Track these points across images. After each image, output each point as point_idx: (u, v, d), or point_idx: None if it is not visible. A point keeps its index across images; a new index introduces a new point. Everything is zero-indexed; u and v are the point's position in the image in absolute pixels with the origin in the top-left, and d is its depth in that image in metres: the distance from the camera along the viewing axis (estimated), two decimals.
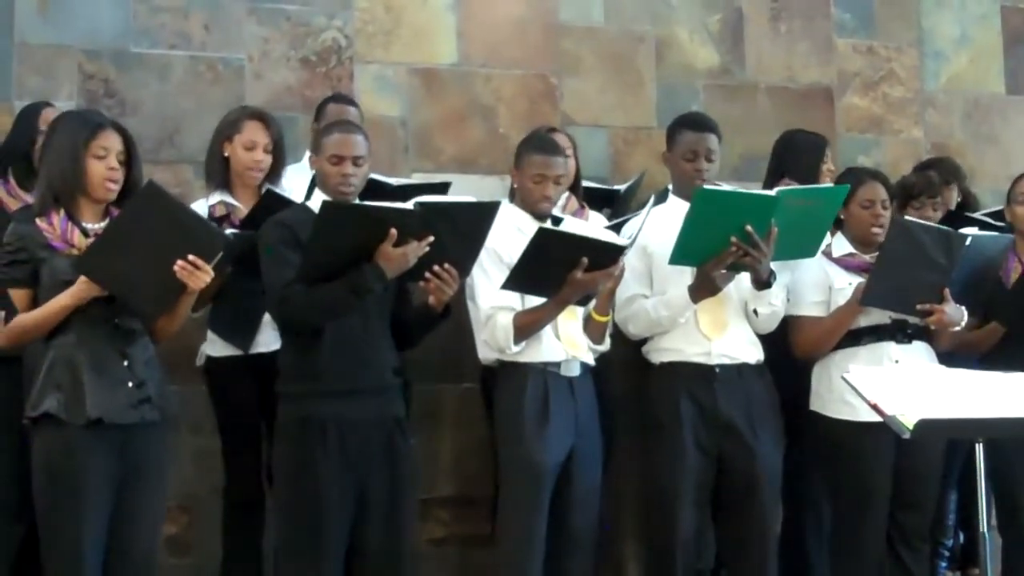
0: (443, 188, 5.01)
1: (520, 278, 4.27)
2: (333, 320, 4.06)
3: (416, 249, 3.98)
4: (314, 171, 4.30)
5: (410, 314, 4.23)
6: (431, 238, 3.98)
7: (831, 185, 4.81)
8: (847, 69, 6.39)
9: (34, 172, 4.42)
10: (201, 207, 4.71)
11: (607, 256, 4.25)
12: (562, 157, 4.57)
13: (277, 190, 4.73)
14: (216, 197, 4.73)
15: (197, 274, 3.80)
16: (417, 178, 5.57)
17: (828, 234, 4.82)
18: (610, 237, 4.32)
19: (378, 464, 4.12)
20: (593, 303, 4.47)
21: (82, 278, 3.77)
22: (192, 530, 5.21)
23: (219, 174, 4.75)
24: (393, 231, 3.93)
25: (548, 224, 4.40)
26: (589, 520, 4.49)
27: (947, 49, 6.59)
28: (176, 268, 3.77)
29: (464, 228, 4.11)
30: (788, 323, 4.71)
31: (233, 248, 4.11)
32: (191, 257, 3.77)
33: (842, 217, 4.74)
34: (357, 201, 4.17)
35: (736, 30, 6.21)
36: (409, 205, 4.04)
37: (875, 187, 4.76)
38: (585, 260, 4.20)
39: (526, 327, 4.40)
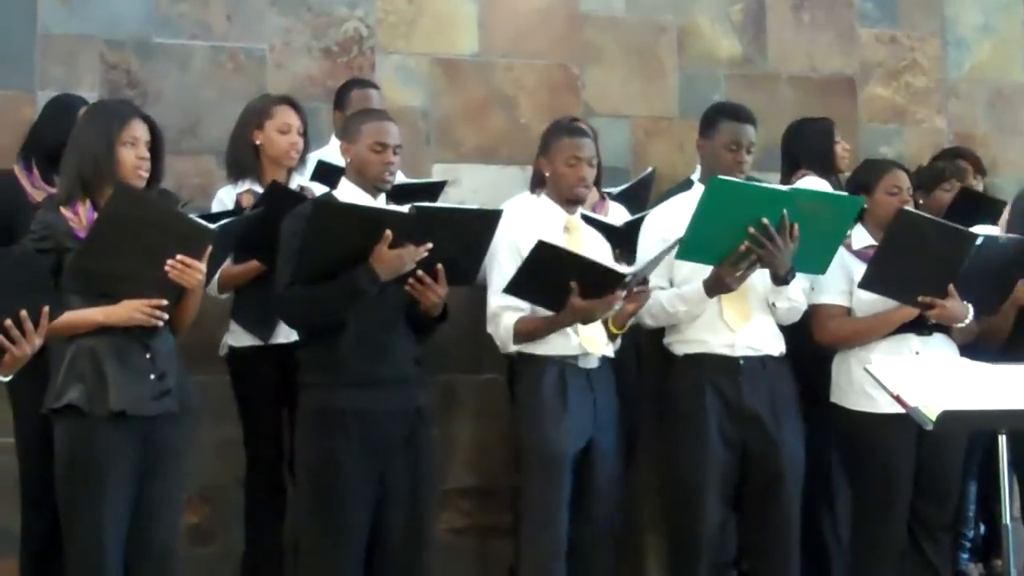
0: (438, 188, 4.99)
1: (520, 286, 4.26)
2: (331, 321, 4.05)
3: (412, 253, 3.96)
4: (347, 159, 4.27)
5: (415, 313, 4.22)
6: (429, 245, 3.96)
7: (846, 195, 4.79)
8: (870, 59, 6.37)
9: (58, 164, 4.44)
10: (228, 195, 4.73)
11: (607, 280, 4.21)
12: (591, 139, 4.56)
13: (299, 179, 4.75)
14: (244, 185, 4.74)
15: (189, 272, 3.81)
16: (438, 169, 5.57)
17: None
18: (611, 264, 4.27)
19: (399, 454, 4.13)
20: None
21: (125, 304, 3.78)
22: (215, 519, 5.23)
23: (250, 163, 4.75)
24: (388, 232, 3.92)
25: (577, 216, 4.40)
26: (610, 511, 4.49)
27: (970, 38, 6.56)
28: (167, 268, 3.78)
29: (465, 235, 4.08)
30: (810, 311, 4.70)
31: (230, 236, 4.10)
32: (179, 256, 3.78)
33: (865, 207, 4.72)
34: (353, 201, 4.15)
35: (758, 19, 6.19)
36: (405, 208, 4.01)
37: (899, 174, 4.76)
38: (575, 286, 4.17)
39: (527, 334, 4.41)
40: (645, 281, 4.36)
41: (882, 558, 4.64)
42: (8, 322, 3.15)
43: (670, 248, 4.32)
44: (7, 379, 3.28)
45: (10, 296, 3.18)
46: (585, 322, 4.33)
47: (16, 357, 3.20)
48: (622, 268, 4.26)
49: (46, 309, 3.22)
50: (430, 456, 4.27)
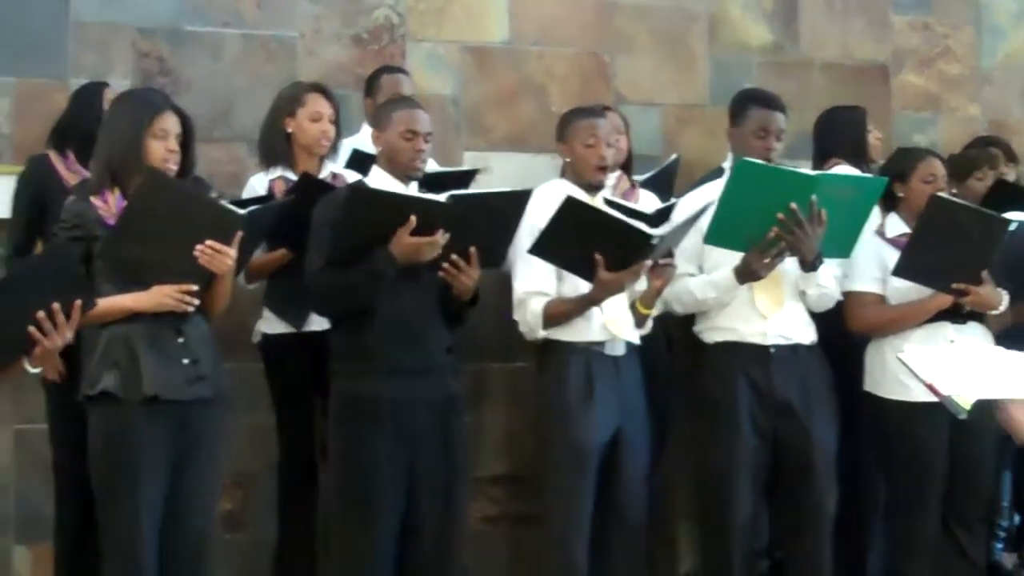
0: (469, 176, 4.99)
1: (545, 246, 4.23)
2: (356, 306, 4.06)
3: (430, 242, 3.96)
4: (378, 147, 4.28)
5: (446, 299, 4.22)
6: (447, 234, 3.96)
7: (871, 176, 4.76)
8: (903, 46, 6.33)
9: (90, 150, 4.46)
10: (260, 183, 4.74)
11: (634, 241, 4.18)
12: (606, 119, 4.54)
13: (331, 166, 4.75)
14: (276, 172, 4.74)
15: (219, 257, 3.81)
16: (468, 157, 5.57)
17: (880, 214, 4.79)
18: (638, 224, 4.24)
19: (431, 442, 4.14)
20: (642, 287, 4.44)
21: (155, 290, 3.80)
22: (247, 506, 5.24)
23: (281, 151, 4.76)
24: (412, 218, 3.92)
25: (600, 200, 4.39)
26: (638, 501, 4.49)
27: (1004, 25, 6.51)
28: (196, 254, 3.79)
29: (496, 216, 4.09)
30: (844, 298, 4.68)
31: (261, 223, 4.11)
32: (209, 241, 3.79)
33: (900, 195, 4.71)
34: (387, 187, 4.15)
35: (790, 6, 6.16)
36: (441, 197, 4.01)
37: (935, 162, 4.75)
38: (600, 259, 4.16)
39: (556, 317, 4.39)
40: (670, 254, 4.34)
41: (916, 548, 4.63)
42: (41, 314, 3.16)
43: (696, 216, 4.31)
44: (37, 370, 3.29)
45: (42, 288, 3.19)
46: (614, 293, 4.30)
47: (47, 349, 3.21)
48: (645, 227, 4.23)
49: (78, 303, 3.23)
50: (462, 444, 4.28)
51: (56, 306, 3.18)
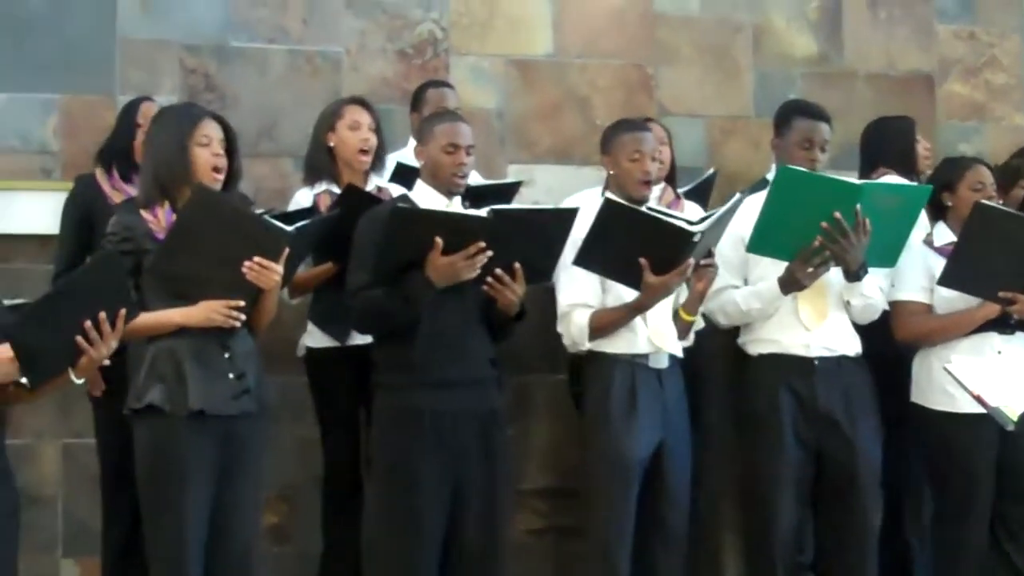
0: (513, 189, 4.99)
1: (588, 254, 4.23)
2: (393, 328, 4.08)
3: (467, 264, 3.96)
4: (421, 161, 4.30)
5: (492, 314, 4.23)
6: (489, 253, 3.96)
7: (915, 184, 4.74)
8: (948, 55, 6.28)
9: (134, 167, 4.50)
10: (306, 197, 4.77)
11: (675, 241, 4.17)
12: (651, 133, 4.54)
13: (377, 180, 4.77)
14: (321, 186, 4.77)
15: (266, 274, 3.83)
16: (513, 170, 5.58)
17: (928, 223, 4.76)
18: (680, 221, 4.23)
19: (474, 455, 4.14)
20: (683, 299, 4.44)
21: (203, 305, 3.82)
22: (293, 519, 5.26)
23: (325, 166, 4.79)
24: (439, 240, 3.93)
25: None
26: (680, 513, 4.47)
27: None
28: (244, 270, 3.81)
29: (542, 234, 4.08)
30: (891, 308, 4.66)
31: (307, 238, 4.13)
32: (256, 258, 3.81)
33: (948, 204, 4.68)
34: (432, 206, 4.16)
35: (834, 17, 6.14)
36: (482, 212, 4.02)
37: (983, 171, 4.72)
38: (646, 262, 4.15)
39: (602, 328, 4.38)
40: (710, 254, 4.33)
41: (963, 559, 4.59)
42: (87, 324, 3.18)
43: (732, 209, 4.29)
44: (81, 381, 3.31)
45: (88, 299, 3.21)
46: (663, 297, 4.29)
47: (92, 359, 3.23)
48: (687, 225, 4.21)
49: (123, 312, 3.26)
50: (505, 457, 4.27)
51: (102, 316, 3.21)
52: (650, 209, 4.39)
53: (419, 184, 4.27)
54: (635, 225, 4.17)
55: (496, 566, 4.20)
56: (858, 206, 4.27)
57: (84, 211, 4.69)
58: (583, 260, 4.25)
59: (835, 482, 4.52)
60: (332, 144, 4.79)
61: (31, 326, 3.11)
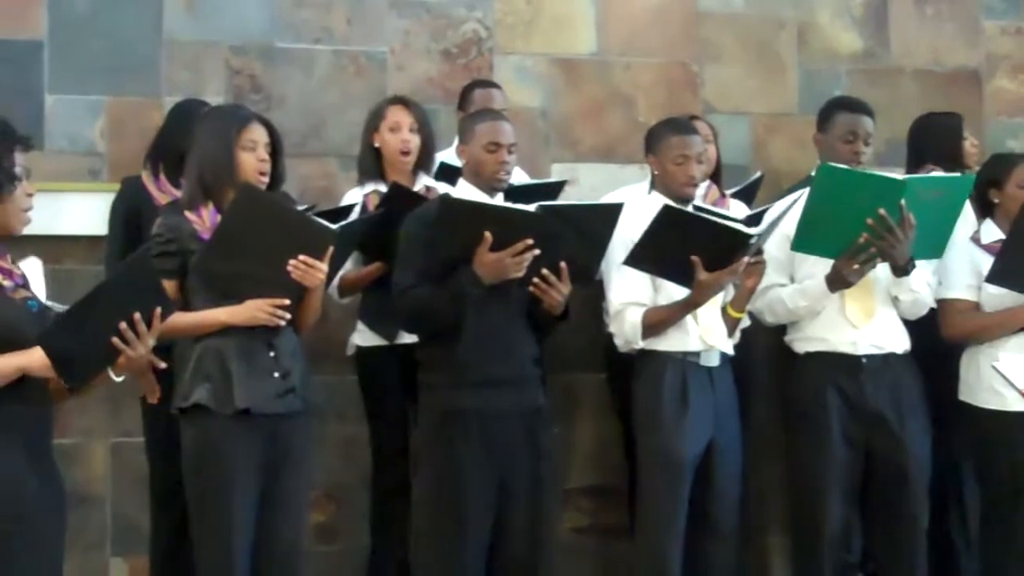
0: (557, 187, 4.99)
1: (642, 256, 4.23)
2: (441, 326, 4.08)
3: (515, 261, 3.96)
4: (463, 160, 4.30)
5: (535, 313, 4.23)
6: (537, 251, 3.95)
7: (958, 175, 4.71)
8: (995, 51, 6.23)
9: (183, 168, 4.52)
10: (355, 197, 4.79)
11: (732, 243, 4.17)
12: (698, 135, 4.53)
13: (425, 179, 4.78)
14: (369, 187, 4.79)
15: (311, 272, 3.85)
16: (557, 169, 5.58)
17: (976, 220, 4.74)
18: (736, 224, 4.24)
19: (519, 454, 4.14)
20: (731, 296, 4.43)
21: (248, 304, 3.84)
22: (339, 518, 5.28)
23: (372, 167, 4.81)
24: (488, 235, 3.93)
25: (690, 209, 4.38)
26: (730, 511, 4.46)
27: None
28: (290, 268, 3.82)
29: (588, 230, 4.08)
30: (938, 306, 4.63)
31: (351, 237, 4.13)
32: (302, 257, 3.82)
33: (996, 201, 4.66)
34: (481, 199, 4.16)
35: (880, 13, 6.10)
36: (531, 207, 4.01)
37: None
38: (698, 260, 4.15)
39: (655, 326, 4.37)
40: (760, 252, 4.33)
41: (1012, 557, 4.55)
42: (123, 324, 3.21)
43: (785, 212, 4.28)
44: (121, 379, 3.34)
45: (123, 299, 3.23)
46: (715, 294, 4.30)
47: (130, 358, 3.26)
48: (743, 227, 4.21)
49: (158, 310, 3.28)
50: (550, 456, 4.27)
51: (137, 316, 3.23)
52: (699, 209, 4.38)
53: (461, 183, 4.28)
54: (692, 228, 4.18)
55: (542, 565, 4.20)
56: (902, 201, 4.25)
57: (131, 213, 4.71)
58: (634, 261, 4.25)
59: (884, 481, 4.49)
60: (377, 144, 4.81)
61: (62, 333, 3.14)
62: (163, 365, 3.43)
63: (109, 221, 4.81)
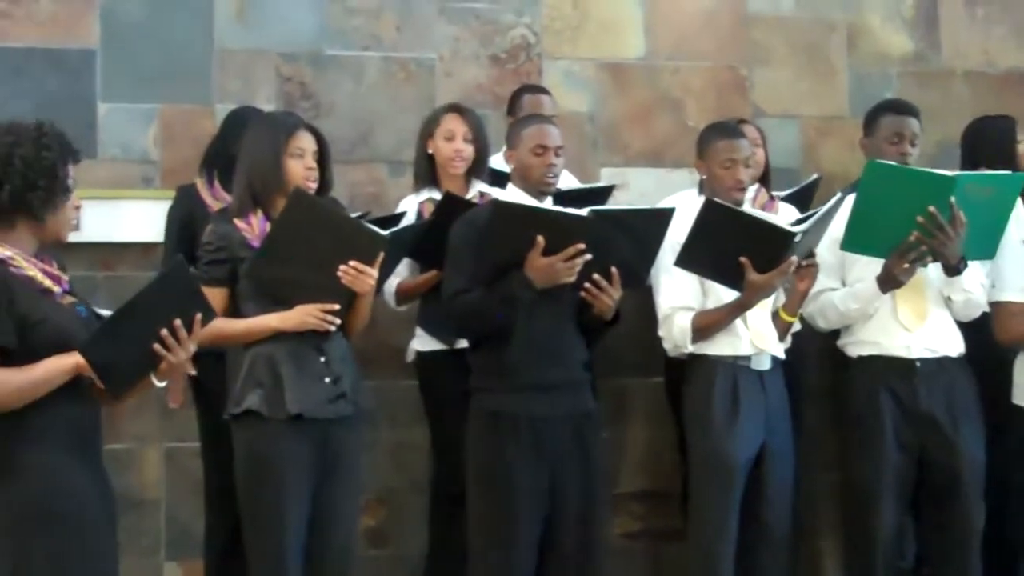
0: (606, 192, 4.98)
1: (690, 255, 4.22)
2: (492, 329, 4.08)
3: (567, 266, 3.95)
4: (511, 165, 4.31)
5: (585, 318, 4.22)
6: (588, 256, 3.94)
7: (1008, 173, 4.68)
8: None
9: None
10: (410, 204, 4.81)
11: (776, 241, 4.15)
12: (746, 139, 4.53)
13: (479, 185, 4.79)
14: (424, 195, 4.81)
15: (361, 278, 3.87)
16: (606, 173, 5.58)
17: None
18: (780, 222, 4.23)
19: (570, 458, 4.13)
20: (782, 300, 4.42)
21: (298, 309, 3.87)
22: (391, 522, 5.30)
23: (426, 173, 4.84)
24: (540, 239, 3.93)
25: None
26: (782, 516, 4.44)
27: None
28: (340, 274, 3.84)
29: (638, 235, 4.08)
30: (992, 308, 4.59)
31: (402, 244, 4.14)
32: (352, 262, 3.84)
33: None
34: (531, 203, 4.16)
35: (930, 15, 6.07)
36: (582, 211, 4.01)
37: None
38: (747, 261, 4.14)
39: (705, 329, 4.36)
40: (812, 254, 4.31)
41: None
42: (164, 331, 3.23)
43: (833, 208, 4.27)
44: (163, 384, 3.36)
45: (164, 306, 3.26)
46: (766, 296, 4.28)
47: (172, 364, 3.28)
48: (787, 226, 4.20)
49: (199, 316, 3.30)
50: (600, 460, 4.27)
51: (178, 322, 3.26)
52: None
53: (510, 187, 4.29)
54: (735, 225, 4.16)
55: (593, 569, 4.19)
56: (952, 198, 4.22)
57: (186, 220, 4.75)
58: (685, 261, 4.25)
59: (938, 486, 4.46)
60: (431, 151, 4.83)
61: (102, 343, 3.18)
62: (193, 372, 3.44)
63: (165, 228, 4.85)
